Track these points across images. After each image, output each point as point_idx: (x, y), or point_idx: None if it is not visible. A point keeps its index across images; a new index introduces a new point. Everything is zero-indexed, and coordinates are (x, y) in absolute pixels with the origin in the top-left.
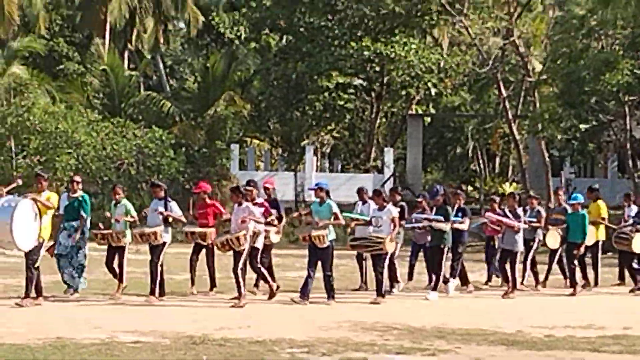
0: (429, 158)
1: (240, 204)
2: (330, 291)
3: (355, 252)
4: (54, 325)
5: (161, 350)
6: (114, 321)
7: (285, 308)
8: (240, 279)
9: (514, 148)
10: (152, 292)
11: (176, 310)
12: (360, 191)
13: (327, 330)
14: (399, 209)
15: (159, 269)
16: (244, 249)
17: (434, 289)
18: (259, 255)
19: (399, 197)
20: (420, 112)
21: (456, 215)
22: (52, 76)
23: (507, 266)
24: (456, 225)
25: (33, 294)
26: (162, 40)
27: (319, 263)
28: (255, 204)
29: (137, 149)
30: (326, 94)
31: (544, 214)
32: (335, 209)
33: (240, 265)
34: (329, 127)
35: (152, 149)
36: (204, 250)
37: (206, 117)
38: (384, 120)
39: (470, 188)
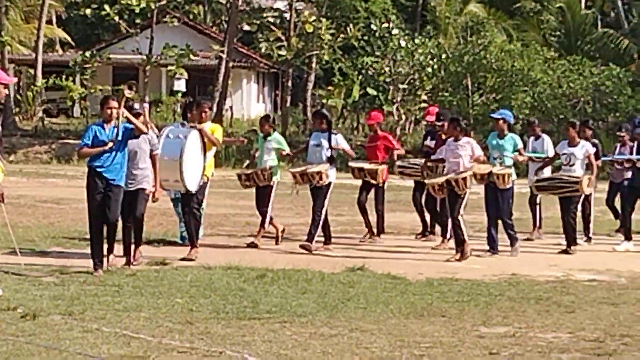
0: None
1: (457, 139)
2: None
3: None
4: (510, 264)
5: (617, 290)
6: (570, 260)
7: None
8: (462, 227)
9: None
10: (309, 240)
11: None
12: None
13: None
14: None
15: (323, 215)
16: (465, 193)
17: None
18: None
19: (589, 132)
20: None
21: None
22: (508, 14)
23: None
24: None
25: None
26: None
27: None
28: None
29: (594, 87)
30: None
31: None
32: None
33: (461, 211)
34: None
35: (609, 87)
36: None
37: None
38: None
39: None
